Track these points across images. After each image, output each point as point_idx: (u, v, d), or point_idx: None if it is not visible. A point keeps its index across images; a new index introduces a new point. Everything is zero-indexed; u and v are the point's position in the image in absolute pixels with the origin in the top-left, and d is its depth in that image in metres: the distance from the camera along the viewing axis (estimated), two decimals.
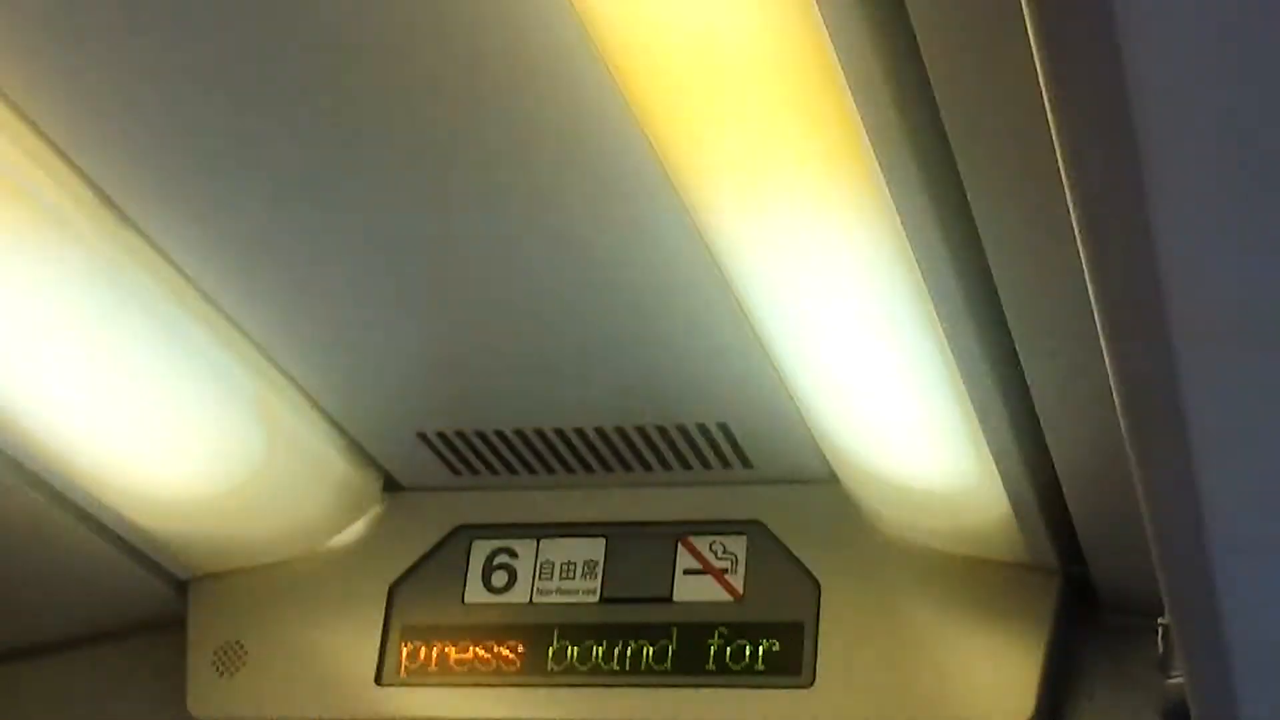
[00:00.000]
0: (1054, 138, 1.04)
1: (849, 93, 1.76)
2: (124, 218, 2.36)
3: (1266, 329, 1.24)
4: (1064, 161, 1.04)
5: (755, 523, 2.96)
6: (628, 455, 2.91)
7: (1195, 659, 1.71)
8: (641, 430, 2.84)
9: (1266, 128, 1.02)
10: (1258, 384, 1.30)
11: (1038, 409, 2.29)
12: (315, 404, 2.84)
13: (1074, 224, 1.11)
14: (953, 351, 2.22)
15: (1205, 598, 1.57)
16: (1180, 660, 1.77)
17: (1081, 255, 1.15)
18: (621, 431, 2.84)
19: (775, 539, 2.94)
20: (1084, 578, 2.80)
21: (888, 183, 1.90)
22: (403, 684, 2.99)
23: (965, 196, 1.86)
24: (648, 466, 2.94)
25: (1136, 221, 1.08)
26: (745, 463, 2.90)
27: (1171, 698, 2.07)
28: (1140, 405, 1.31)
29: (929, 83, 1.65)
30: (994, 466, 2.46)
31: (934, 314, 2.15)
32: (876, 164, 1.87)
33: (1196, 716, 1.87)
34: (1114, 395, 1.33)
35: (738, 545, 2.96)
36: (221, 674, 3.06)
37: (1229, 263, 1.18)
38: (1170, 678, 2.06)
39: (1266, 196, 1.10)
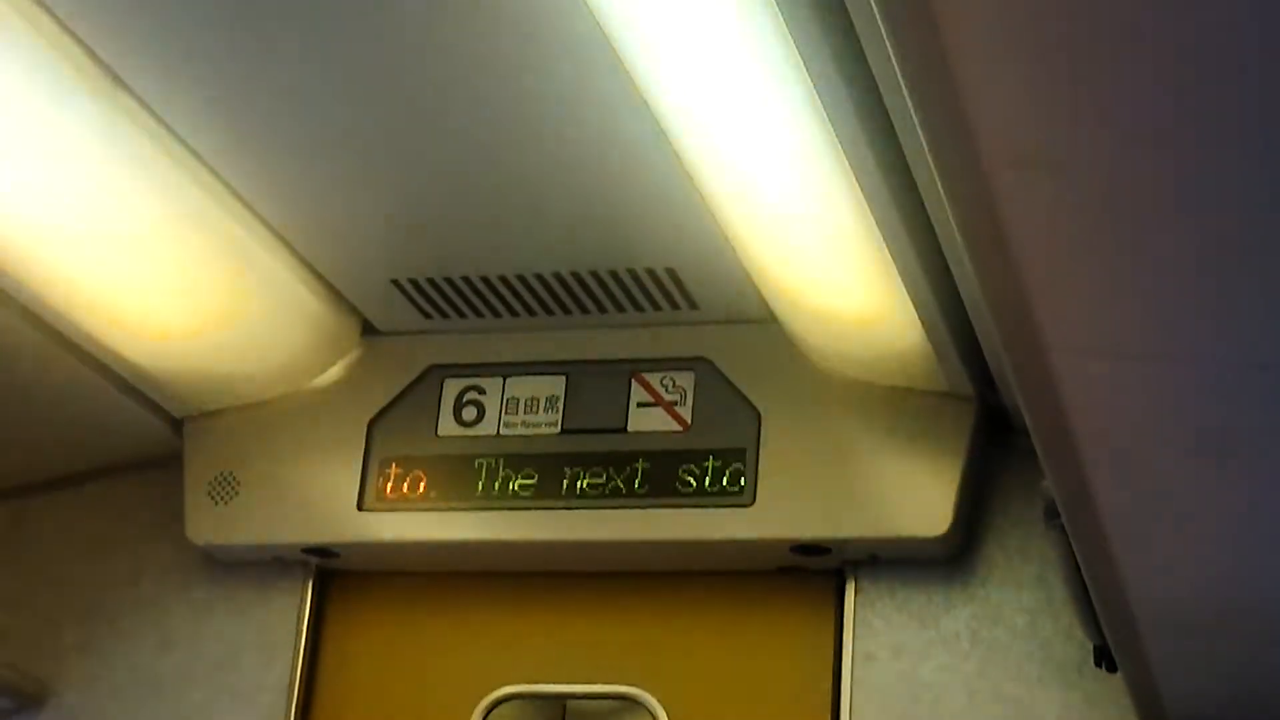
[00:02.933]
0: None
1: None
2: (113, 73, 2.59)
3: (1062, 156, 1.50)
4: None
5: (702, 359, 3.23)
6: (584, 299, 3.17)
7: (1049, 454, 1.98)
8: (595, 274, 3.10)
9: None
10: (1067, 204, 1.55)
11: (941, 244, 2.56)
12: (295, 252, 3.09)
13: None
14: (865, 196, 2.48)
15: (1049, 398, 1.84)
16: (1041, 458, 2.03)
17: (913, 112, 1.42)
18: (577, 276, 3.10)
19: (720, 374, 3.21)
20: (999, 405, 3.08)
21: (793, 38, 2.15)
22: (382, 510, 3.27)
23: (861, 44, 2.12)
24: (603, 309, 3.20)
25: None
26: (692, 304, 3.17)
27: (1047, 496, 2.34)
28: (971, 230, 1.57)
29: None
30: (908, 299, 2.73)
31: (847, 165, 2.41)
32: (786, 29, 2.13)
33: (1060, 505, 2.14)
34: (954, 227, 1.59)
35: (686, 380, 3.24)
36: (216, 503, 3.34)
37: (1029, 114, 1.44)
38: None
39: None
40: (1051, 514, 2.34)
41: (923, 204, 2.50)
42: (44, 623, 3.45)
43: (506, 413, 3.29)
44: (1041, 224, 1.57)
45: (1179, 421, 1.89)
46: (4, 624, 3.45)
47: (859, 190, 2.48)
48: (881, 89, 2.21)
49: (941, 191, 1.53)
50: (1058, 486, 2.07)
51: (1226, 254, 1.63)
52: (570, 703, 3.66)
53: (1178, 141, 1.44)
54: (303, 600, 3.37)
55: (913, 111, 1.42)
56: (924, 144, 1.47)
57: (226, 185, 2.90)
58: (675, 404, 3.23)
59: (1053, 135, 1.45)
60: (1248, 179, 1.51)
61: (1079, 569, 2.43)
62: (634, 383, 3.26)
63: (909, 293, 2.71)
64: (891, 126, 2.30)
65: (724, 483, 3.14)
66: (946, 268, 2.68)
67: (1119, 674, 2.81)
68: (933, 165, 1.49)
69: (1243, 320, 1.72)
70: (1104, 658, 2.82)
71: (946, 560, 3.12)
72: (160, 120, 2.72)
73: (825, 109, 2.30)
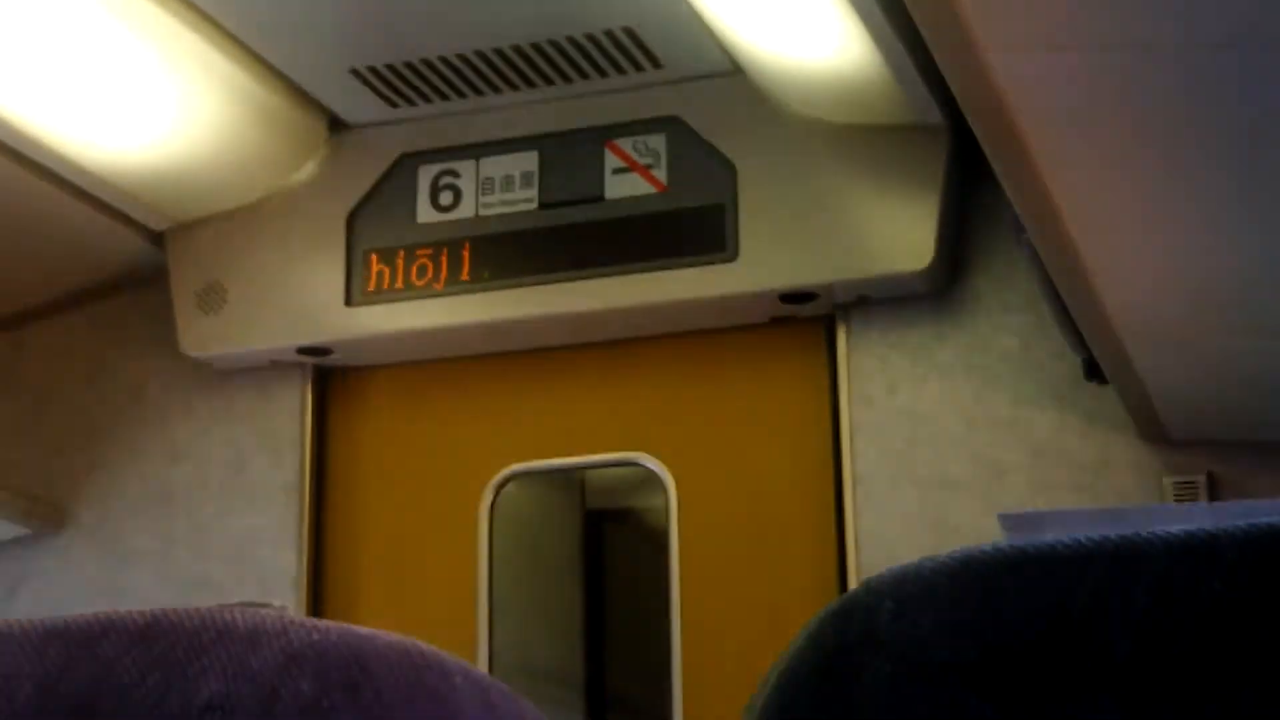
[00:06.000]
0: None
1: None
2: None
3: None
4: None
5: (673, 119, 3.20)
6: (547, 69, 3.13)
7: (1000, 161, 1.96)
8: (554, 43, 3.05)
9: None
10: None
11: None
12: (251, 52, 3.06)
13: None
14: None
15: (990, 100, 1.81)
16: (993, 166, 2.01)
17: None
18: (537, 47, 3.06)
19: (692, 131, 3.18)
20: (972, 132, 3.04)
21: None
22: (369, 303, 3.28)
23: None
24: (567, 78, 3.17)
25: None
26: (655, 63, 3.13)
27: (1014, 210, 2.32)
28: None
29: None
30: (865, 30, 2.69)
31: None
32: None
33: (1020, 213, 2.13)
34: None
35: (658, 141, 3.21)
36: (206, 313, 3.35)
37: None
38: None
39: None
40: (1019, 227, 2.32)
41: None
42: (53, 448, 3.49)
43: (483, 193, 3.28)
44: None
45: (1126, 112, 1.86)
46: (14, 453, 3.49)
47: None
48: None
49: None
50: (1014, 194, 2.05)
51: None
52: (588, 478, 3.71)
53: None
54: (303, 400, 3.39)
55: None
56: None
57: None
58: (650, 166, 3.21)
59: None
60: None
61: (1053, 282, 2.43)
62: (607, 149, 3.23)
63: (864, 22, 2.67)
64: None
65: (705, 240, 3.13)
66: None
67: (1111, 386, 2.81)
68: None
69: None
70: (1093, 370, 2.83)
71: (934, 294, 3.11)
72: None
73: None
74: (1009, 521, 0.77)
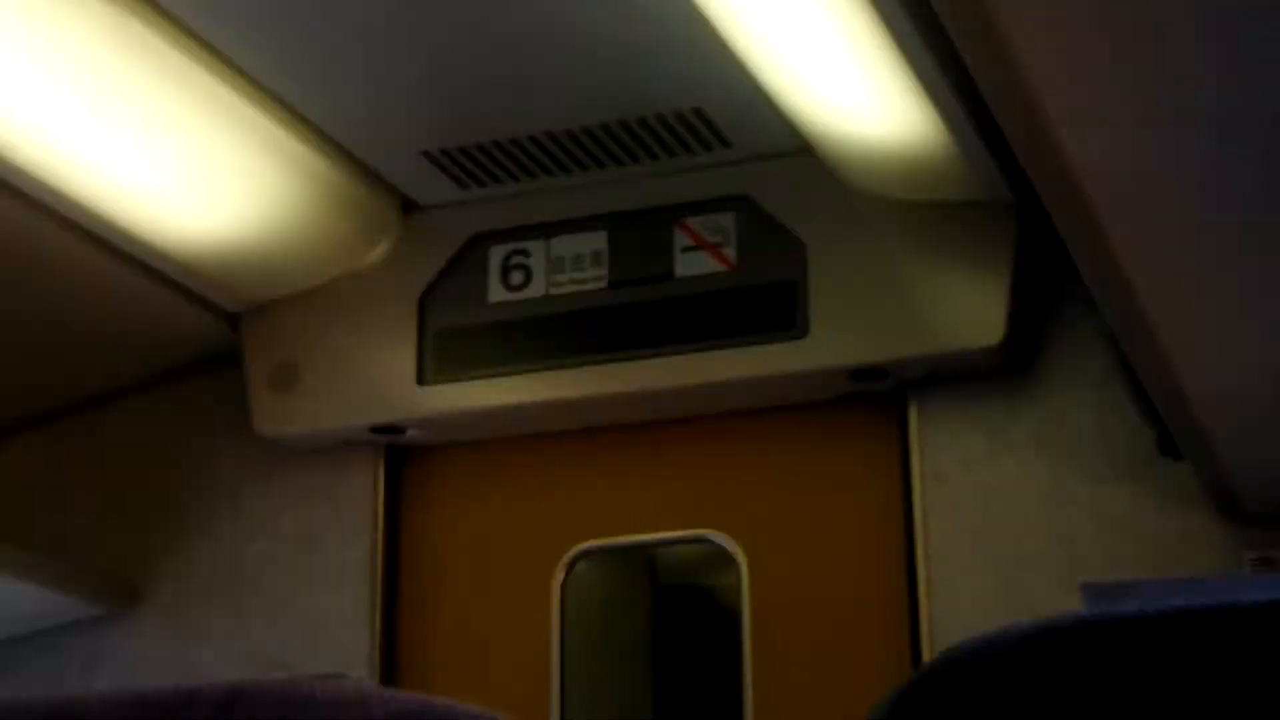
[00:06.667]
0: None
1: None
2: None
3: None
4: None
5: (742, 197, 3.22)
6: (616, 150, 3.16)
7: (1073, 240, 1.96)
8: (624, 124, 3.08)
9: None
10: None
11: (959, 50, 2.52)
12: (324, 135, 3.10)
13: None
14: (878, 10, 2.45)
15: (1060, 174, 1.81)
16: (1068, 244, 2.01)
17: None
18: (606, 127, 3.09)
19: (761, 210, 3.20)
20: (1044, 209, 3.04)
21: None
22: (441, 382, 3.30)
23: None
24: (636, 158, 3.19)
25: None
26: (724, 143, 3.15)
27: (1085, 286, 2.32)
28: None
29: None
30: (934, 109, 2.70)
31: None
32: None
33: (1096, 294, 2.12)
34: None
35: (728, 220, 3.22)
36: (280, 393, 3.37)
37: None
38: None
39: None
40: (1092, 303, 2.31)
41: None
42: (128, 526, 3.51)
43: (553, 272, 3.30)
44: None
45: (1200, 186, 1.86)
46: (89, 532, 3.52)
47: (885, 25, 2.46)
48: None
49: None
50: (1086, 270, 2.05)
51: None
52: (659, 555, 3.70)
53: None
54: (375, 479, 3.41)
55: None
56: None
57: (246, 76, 2.90)
58: (720, 245, 3.22)
59: None
60: None
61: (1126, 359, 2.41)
62: (676, 228, 3.25)
63: (933, 100, 2.68)
64: None
65: (776, 318, 3.14)
66: (970, 75, 2.63)
67: (1187, 461, 2.79)
68: None
69: (1252, 71, 1.69)
70: (1168, 445, 2.80)
71: (1006, 370, 3.10)
72: (169, 16, 2.73)
73: None
74: (1091, 591, 0.76)
